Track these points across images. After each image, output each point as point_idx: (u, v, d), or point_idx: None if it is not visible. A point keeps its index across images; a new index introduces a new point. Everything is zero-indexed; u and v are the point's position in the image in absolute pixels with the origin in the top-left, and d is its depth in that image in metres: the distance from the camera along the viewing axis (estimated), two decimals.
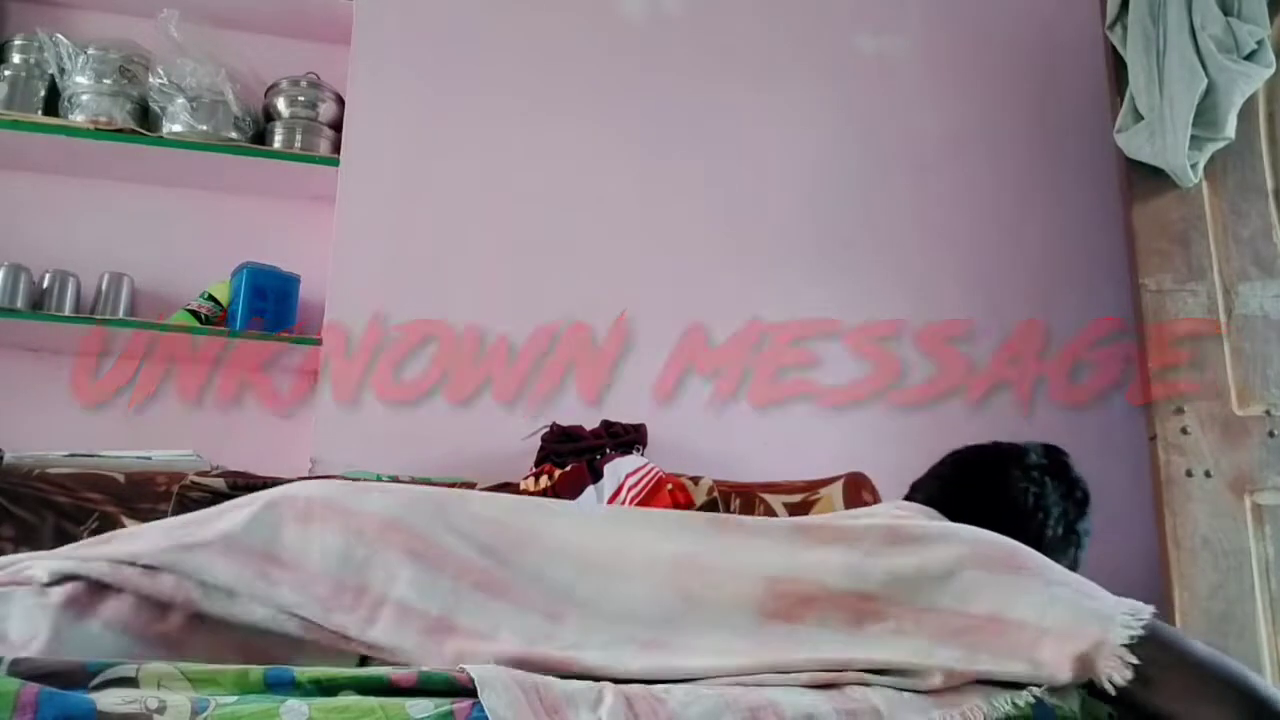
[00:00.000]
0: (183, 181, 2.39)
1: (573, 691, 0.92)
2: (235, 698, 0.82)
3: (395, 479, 1.94)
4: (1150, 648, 0.98)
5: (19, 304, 2.18)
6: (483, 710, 0.87)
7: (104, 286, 2.27)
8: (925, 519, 1.23)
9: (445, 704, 0.87)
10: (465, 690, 0.89)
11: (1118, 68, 2.34)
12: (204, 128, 2.33)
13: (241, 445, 2.16)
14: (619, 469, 2.00)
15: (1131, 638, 0.98)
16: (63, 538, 1.70)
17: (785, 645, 1.03)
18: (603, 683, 0.96)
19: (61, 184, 2.37)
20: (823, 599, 1.05)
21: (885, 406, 2.46)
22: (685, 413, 2.33)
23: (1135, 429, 2.31)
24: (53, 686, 0.77)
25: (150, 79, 2.36)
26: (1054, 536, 1.35)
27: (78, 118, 2.28)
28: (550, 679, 0.94)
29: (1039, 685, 1.00)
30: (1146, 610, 1.02)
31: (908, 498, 1.43)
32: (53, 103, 2.34)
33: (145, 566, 1.00)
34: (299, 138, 2.41)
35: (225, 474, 1.87)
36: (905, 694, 0.99)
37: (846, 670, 1.01)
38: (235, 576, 1.00)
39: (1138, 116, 2.25)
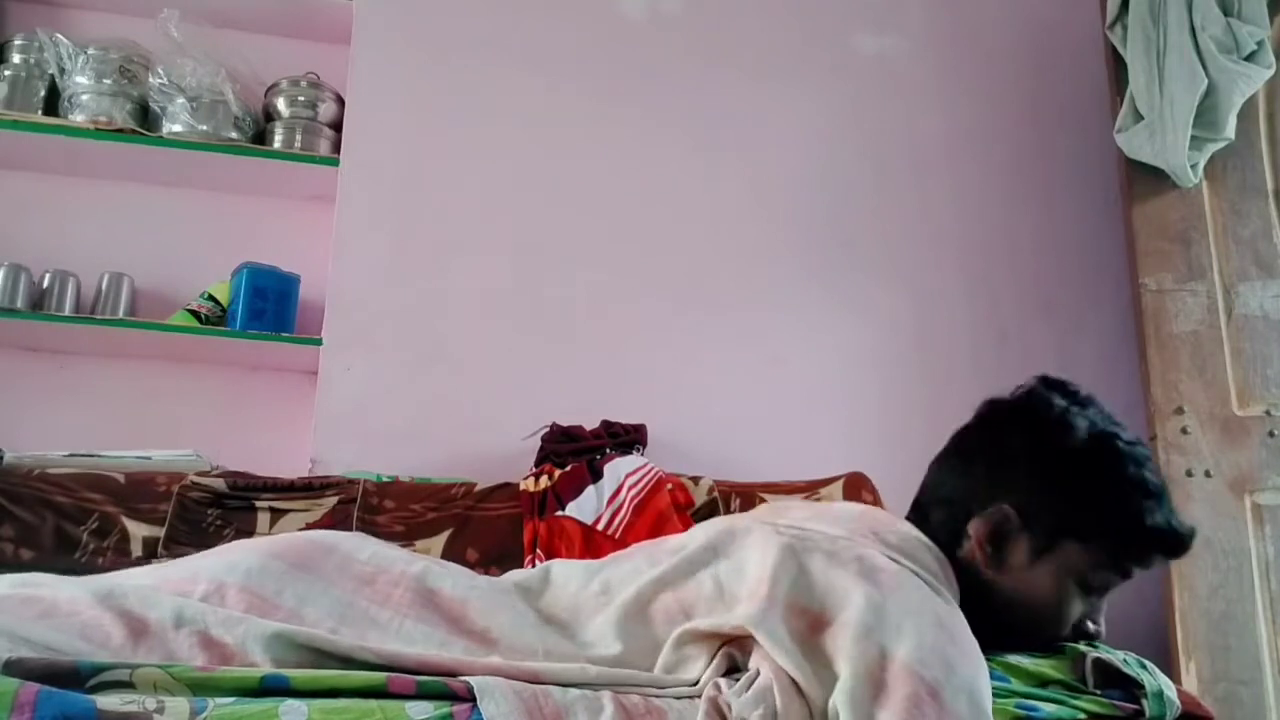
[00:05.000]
0: (183, 181, 2.39)
1: (573, 700, 0.93)
2: (233, 699, 0.82)
3: (395, 479, 1.94)
4: None
5: (19, 304, 2.18)
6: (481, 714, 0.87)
7: (104, 286, 2.27)
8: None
9: (444, 706, 0.88)
10: (462, 698, 0.89)
11: (1118, 68, 2.34)
12: (204, 128, 2.33)
13: (241, 445, 2.15)
14: (619, 469, 1.99)
15: None
16: (63, 538, 1.70)
17: None
18: (602, 691, 0.96)
19: (61, 184, 2.37)
20: None
21: (885, 406, 2.46)
22: (685, 413, 2.33)
23: (1135, 429, 2.30)
24: (48, 687, 0.77)
25: (150, 79, 2.36)
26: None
27: (78, 118, 2.28)
28: (549, 687, 0.94)
29: None
30: None
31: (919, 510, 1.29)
32: (53, 103, 2.34)
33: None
34: (299, 138, 2.41)
35: (225, 474, 1.87)
36: None
37: None
38: None
39: (1138, 116, 2.26)
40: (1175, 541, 1.21)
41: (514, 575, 1.20)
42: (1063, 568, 1.17)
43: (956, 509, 1.22)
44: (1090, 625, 1.23)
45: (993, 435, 1.26)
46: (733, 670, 1.03)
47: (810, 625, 1.00)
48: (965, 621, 1.04)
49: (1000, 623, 1.16)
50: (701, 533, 1.19)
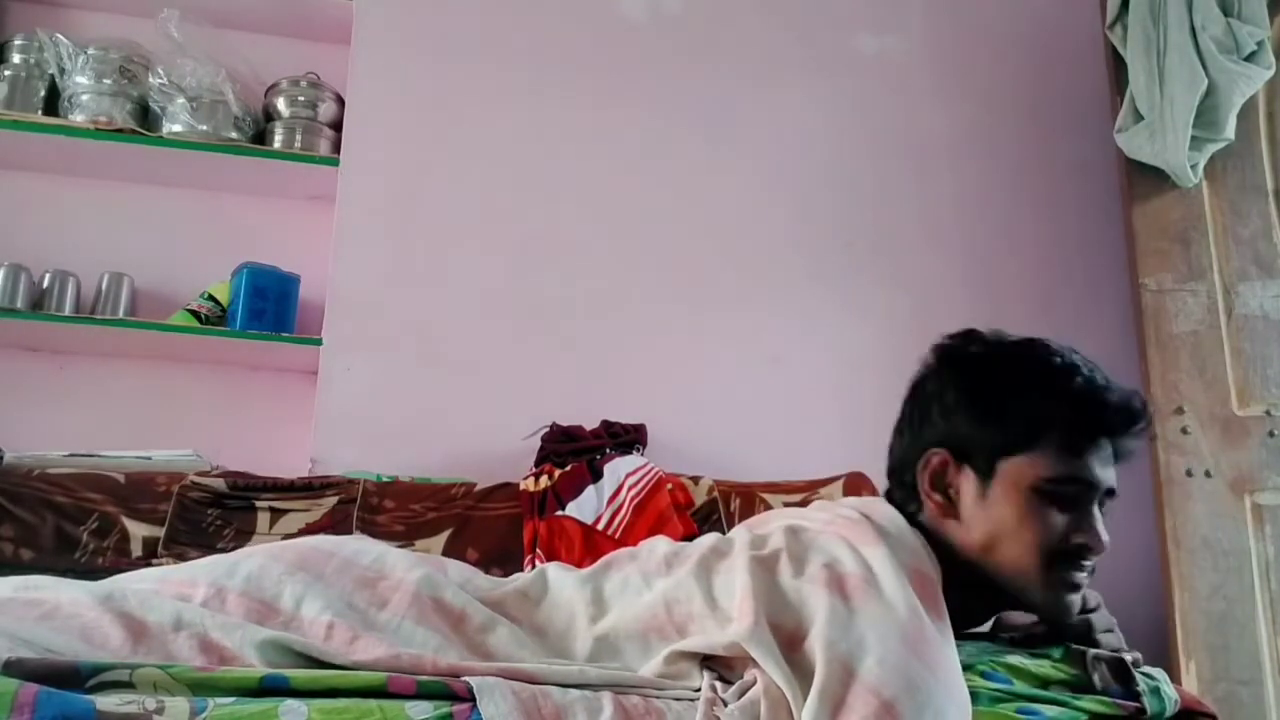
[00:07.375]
0: (183, 181, 2.39)
1: (572, 700, 0.93)
2: (233, 699, 0.82)
3: (395, 479, 1.94)
4: None
5: (19, 304, 2.18)
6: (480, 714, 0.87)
7: (104, 286, 2.27)
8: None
9: (445, 706, 0.88)
10: (462, 698, 0.89)
11: (1118, 68, 2.34)
12: (204, 128, 2.33)
13: (241, 445, 2.16)
14: (619, 469, 2.00)
15: None
16: (63, 538, 1.70)
17: None
18: (602, 692, 0.96)
19: (61, 184, 2.37)
20: None
21: (885, 406, 2.44)
22: (685, 413, 2.33)
23: None
24: (47, 687, 0.77)
25: (150, 79, 2.36)
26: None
27: (78, 118, 2.28)
28: (548, 688, 0.94)
29: None
30: None
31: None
32: (53, 103, 2.34)
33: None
34: (299, 138, 2.41)
35: (225, 474, 1.87)
36: None
37: None
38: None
39: (1138, 116, 2.26)
40: (1112, 402, 1.15)
41: (515, 583, 1.20)
42: (1015, 486, 1.14)
43: (905, 475, 1.23)
44: (1077, 539, 1.14)
45: (911, 392, 1.28)
46: (724, 678, 1.03)
47: (787, 641, 1.01)
48: (938, 631, 1.02)
49: (990, 584, 1.15)
50: (694, 548, 1.19)
